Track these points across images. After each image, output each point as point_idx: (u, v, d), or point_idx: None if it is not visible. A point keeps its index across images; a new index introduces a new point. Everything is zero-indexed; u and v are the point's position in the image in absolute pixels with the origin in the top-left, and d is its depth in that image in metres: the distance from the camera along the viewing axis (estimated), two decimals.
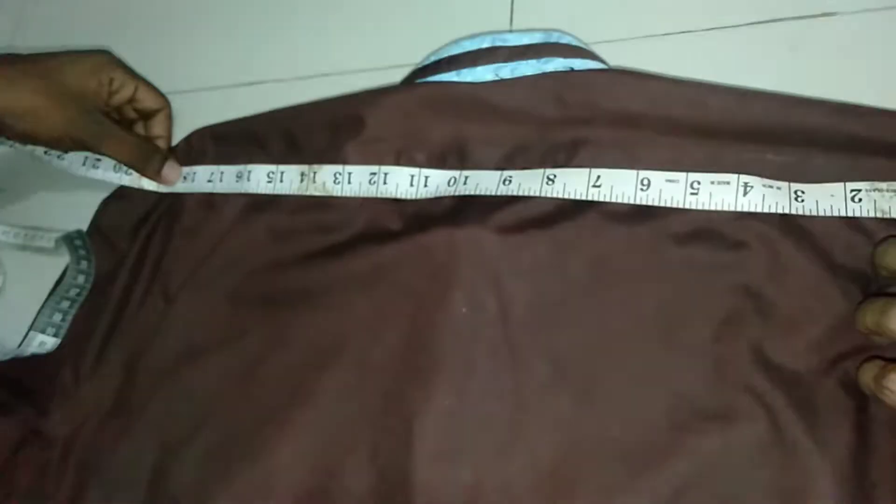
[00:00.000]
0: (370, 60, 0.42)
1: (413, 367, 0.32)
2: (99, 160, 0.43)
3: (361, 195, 0.37)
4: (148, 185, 0.42)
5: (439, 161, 0.36)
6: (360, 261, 0.35)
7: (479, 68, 0.35)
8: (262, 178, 0.39)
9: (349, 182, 0.37)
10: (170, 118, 0.43)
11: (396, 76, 0.40)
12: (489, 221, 0.33)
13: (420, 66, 0.38)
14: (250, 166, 0.40)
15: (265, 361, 0.36)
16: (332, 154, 0.38)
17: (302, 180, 0.38)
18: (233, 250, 0.39)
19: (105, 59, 0.40)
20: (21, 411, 0.38)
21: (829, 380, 0.27)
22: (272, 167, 0.39)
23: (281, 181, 0.39)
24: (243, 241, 0.39)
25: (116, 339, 0.40)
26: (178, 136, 0.44)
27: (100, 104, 0.40)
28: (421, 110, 0.36)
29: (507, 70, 0.35)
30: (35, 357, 0.41)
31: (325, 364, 0.35)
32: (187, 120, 0.44)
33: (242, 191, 0.40)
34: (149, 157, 0.41)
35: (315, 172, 0.38)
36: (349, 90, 0.40)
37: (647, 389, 0.29)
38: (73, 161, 0.43)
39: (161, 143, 0.43)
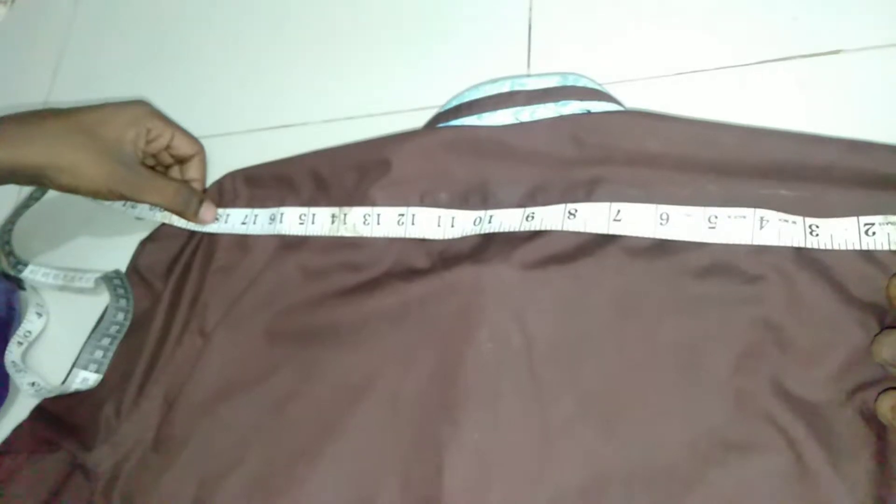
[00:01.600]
0: (394, 104, 0.44)
1: (442, 401, 0.34)
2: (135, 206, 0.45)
3: (390, 236, 0.38)
4: (181, 222, 0.44)
5: (462, 201, 0.38)
6: (389, 298, 0.37)
7: (500, 112, 0.37)
8: (294, 220, 0.41)
9: (378, 223, 0.39)
10: (204, 162, 0.45)
11: (420, 119, 0.42)
12: (512, 258, 0.34)
13: (442, 109, 0.40)
14: (282, 209, 0.42)
15: (298, 396, 0.37)
16: (360, 196, 0.40)
17: (333, 222, 0.40)
18: (266, 288, 0.41)
19: (142, 110, 0.43)
20: (66, 447, 0.40)
21: (848, 410, 0.28)
22: (303, 209, 0.41)
23: (312, 223, 0.41)
24: (276, 280, 0.41)
25: (156, 375, 0.42)
26: (211, 177, 0.46)
27: (138, 154, 0.43)
28: (444, 153, 0.38)
29: (527, 113, 0.37)
30: (78, 393, 0.42)
31: (356, 398, 0.36)
32: (217, 162, 0.46)
33: (275, 232, 0.41)
34: (187, 201, 0.43)
35: (345, 214, 0.40)
36: (374, 133, 0.42)
37: (669, 421, 0.30)
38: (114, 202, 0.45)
39: (196, 186, 0.45)
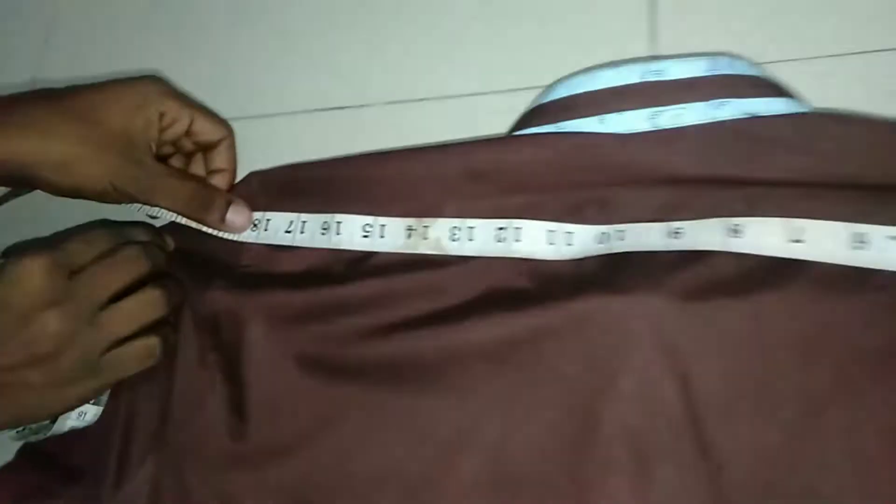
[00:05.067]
0: (477, 83, 0.36)
1: (569, 471, 0.27)
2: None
3: (487, 255, 0.31)
4: (207, 229, 0.35)
5: (574, 212, 0.30)
6: (484, 331, 0.29)
7: (629, 113, 0.30)
8: (356, 232, 0.33)
9: (471, 239, 0.31)
10: (233, 148, 0.36)
11: (508, 103, 0.34)
12: (663, 287, 0.27)
13: (545, 99, 0.32)
14: (340, 216, 0.34)
15: (366, 452, 0.30)
16: (441, 206, 0.32)
17: (409, 236, 0.32)
18: (313, 310, 0.33)
19: (153, 89, 0.34)
20: (64, 495, 0.32)
21: None
22: (369, 219, 0.33)
23: (381, 236, 0.33)
24: (328, 301, 0.33)
25: (175, 415, 0.33)
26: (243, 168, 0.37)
27: (150, 144, 0.34)
28: (551, 168, 0.31)
29: (667, 117, 0.29)
30: (75, 433, 0.34)
31: (445, 456, 0.29)
32: (250, 151, 0.37)
33: (331, 246, 0.33)
34: (206, 204, 0.34)
35: (426, 227, 0.32)
36: (450, 118, 0.34)
37: (878, 492, 0.24)
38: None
39: (224, 179, 0.36)
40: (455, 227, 0.32)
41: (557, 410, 0.28)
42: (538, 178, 0.31)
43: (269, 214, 0.35)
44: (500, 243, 0.31)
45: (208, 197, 0.34)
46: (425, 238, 0.32)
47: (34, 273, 0.29)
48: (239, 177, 0.37)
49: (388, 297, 0.32)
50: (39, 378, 0.29)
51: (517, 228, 0.31)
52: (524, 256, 0.30)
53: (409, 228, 0.32)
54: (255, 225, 0.35)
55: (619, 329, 0.27)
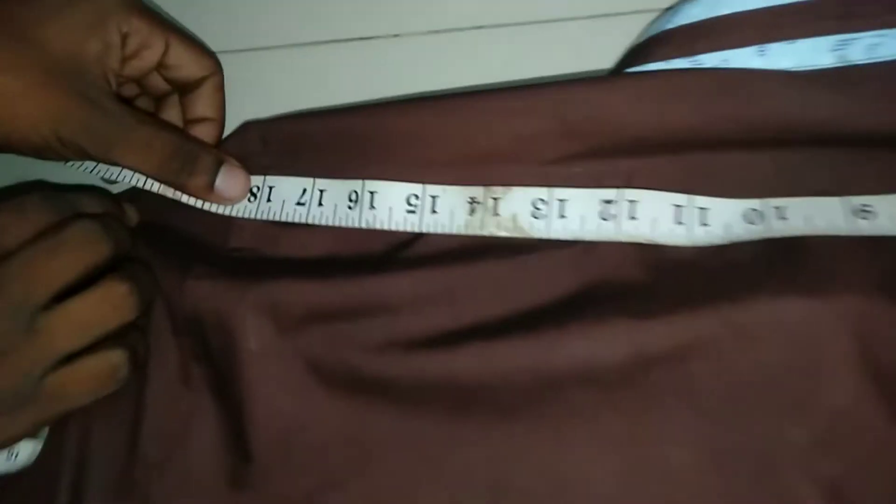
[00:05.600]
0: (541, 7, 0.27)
1: None
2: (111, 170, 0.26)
3: (586, 238, 0.22)
4: (187, 198, 0.26)
5: (711, 182, 0.22)
6: (588, 346, 0.21)
7: (803, 42, 0.21)
8: (398, 206, 0.24)
9: (562, 216, 0.23)
10: (222, 90, 0.27)
11: (590, 30, 0.25)
12: (859, 285, 0.19)
13: (662, 28, 0.24)
14: (374, 183, 0.25)
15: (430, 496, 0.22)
16: (521, 170, 0.23)
17: (472, 211, 0.23)
18: (336, 315, 0.24)
19: (114, 2, 0.24)
20: None
21: None
22: (415, 187, 0.24)
23: (433, 211, 0.24)
24: (362, 297, 0.24)
25: (147, 453, 0.24)
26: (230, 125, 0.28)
27: (108, 77, 0.24)
28: (683, 118, 0.22)
29: (859, 48, 0.21)
30: (3, 480, 0.24)
31: None
32: (241, 95, 0.28)
33: (361, 224, 0.24)
34: (193, 164, 0.25)
35: (496, 200, 0.23)
36: (509, 52, 0.26)
37: None
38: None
39: (210, 131, 0.27)
40: (539, 200, 0.23)
41: (709, 456, 0.20)
42: (660, 132, 0.22)
43: (272, 180, 0.26)
44: (605, 222, 0.22)
45: (191, 154, 0.25)
46: (496, 214, 0.23)
47: None
48: (228, 128, 0.28)
49: (444, 296, 0.23)
50: None
51: (631, 202, 0.22)
52: (642, 241, 0.22)
53: (473, 201, 0.24)
54: (252, 194, 0.26)
55: (805, 344, 0.19)
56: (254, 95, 0.28)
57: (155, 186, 0.26)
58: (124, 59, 0.24)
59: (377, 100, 0.27)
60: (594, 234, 0.22)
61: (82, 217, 0.23)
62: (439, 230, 0.24)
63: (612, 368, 0.20)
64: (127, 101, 0.26)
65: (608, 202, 0.22)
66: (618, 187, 0.22)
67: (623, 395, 0.20)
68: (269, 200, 0.26)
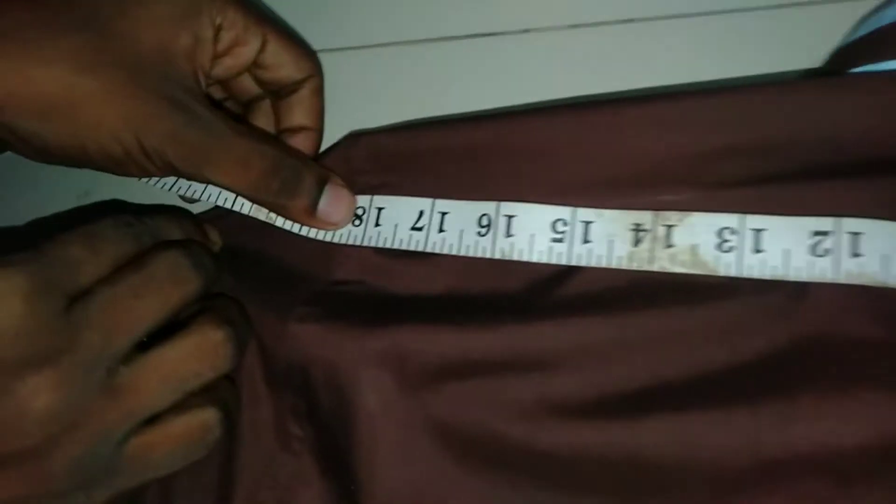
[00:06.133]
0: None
1: None
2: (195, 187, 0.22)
3: (797, 278, 0.18)
4: (281, 220, 0.22)
5: None
6: (825, 425, 0.16)
7: None
8: (542, 233, 0.20)
9: (758, 250, 0.18)
10: (321, 95, 0.23)
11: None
12: None
13: (882, 23, 0.19)
14: (510, 206, 0.20)
15: None
16: (701, 190, 0.19)
17: (637, 241, 0.19)
18: (467, 368, 0.20)
19: None
20: None
21: None
22: (562, 211, 0.20)
23: (586, 240, 0.19)
24: (493, 355, 0.20)
25: None
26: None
27: (198, 78, 0.20)
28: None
29: None
30: None
31: None
32: (343, 100, 0.24)
33: (496, 255, 0.20)
34: (295, 183, 0.21)
35: (671, 227, 0.19)
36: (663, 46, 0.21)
37: None
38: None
39: (307, 142, 0.23)
40: (727, 230, 0.18)
41: None
42: (886, 147, 0.18)
43: (381, 200, 0.22)
44: (819, 259, 0.18)
45: (294, 172, 0.21)
46: (669, 246, 0.19)
47: (5, 305, 0.15)
48: (328, 139, 0.24)
49: (610, 349, 0.19)
50: (20, 488, 0.16)
51: (853, 234, 0.18)
52: (870, 283, 0.17)
53: (638, 228, 0.19)
54: (357, 216, 0.22)
55: None
56: (354, 101, 0.24)
57: (245, 207, 0.22)
58: (215, 57, 0.21)
59: (504, 108, 0.23)
60: (804, 273, 0.18)
61: (166, 246, 0.19)
62: (594, 263, 0.19)
63: (851, 454, 0.16)
64: (218, 106, 0.22)
65: (821, 234, 0.18)
66: (832, 215, 0.18)
67: (865, 490, 0.16)
68: (377, 224, 0.22)
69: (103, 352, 0.17)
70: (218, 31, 0.20)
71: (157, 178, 0.22)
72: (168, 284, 0.18)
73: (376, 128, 0.23)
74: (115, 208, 0.23)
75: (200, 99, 0.20)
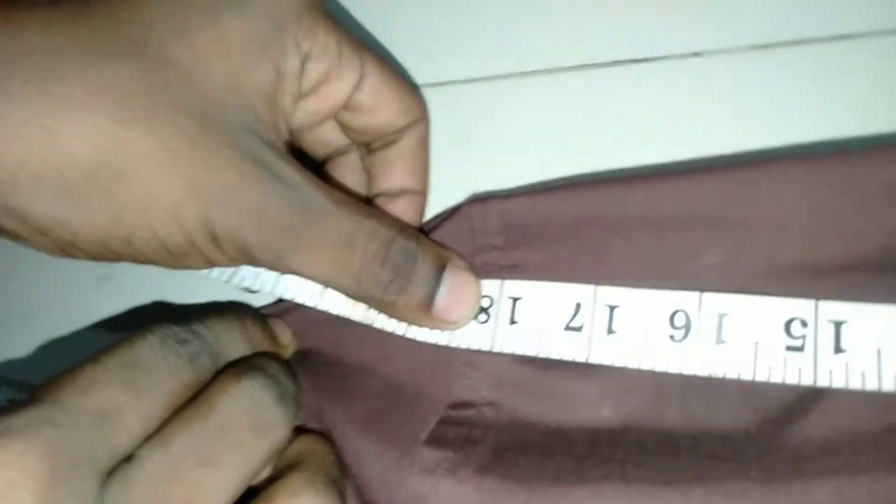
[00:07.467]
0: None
1: None
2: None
3: None
4: (372, 315, 0.16)
5: None
6: None
7: None
8: (772, 336, 0.14)
9: None
10: (427, 145, 0.17)
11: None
12: None
13: None
14: (719, 298, 0.14)
15: None
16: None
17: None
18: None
19: (291, 1, 0.14)
20: None
21: None
22: (804, 305, 0.14)
23: (838, 349, 0.13)
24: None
25: None
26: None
27: (279, 128, 0.14)
28: None
29: None
30: None
31: None
32: (453, 157, 0.18)
33: (706, 371, 0.14)
34: (409, 269, 0.15)
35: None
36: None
37: None
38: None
39: (409, 211, 0.17)
40: None
41: None
42: None
43: (518, 286, 0.16)
44: None
45: (407, 256, 0.15)
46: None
47: (17, 486, 0.09)
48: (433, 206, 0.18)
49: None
50: None
51: None
52: None
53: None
54: (484, 310, 0.16)
55: None
56: (446, 147, 0.18)
57: (333, 303, 0.16)
58: (301, 95, 0.15)
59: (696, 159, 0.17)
60: None
61: (237, 374, 0.13)
62: (857, 385, 0.13)
63: None
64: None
65: None
66: None
67: None
68: (513, 322, 0.16)
69: None
70: (305, 61, 0.15)
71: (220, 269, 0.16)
72: (249, 436, 0.12)
73: (503, 190, 0.17)
74: (159, 314, 0.17)
75: (286, 157, 0.14)
